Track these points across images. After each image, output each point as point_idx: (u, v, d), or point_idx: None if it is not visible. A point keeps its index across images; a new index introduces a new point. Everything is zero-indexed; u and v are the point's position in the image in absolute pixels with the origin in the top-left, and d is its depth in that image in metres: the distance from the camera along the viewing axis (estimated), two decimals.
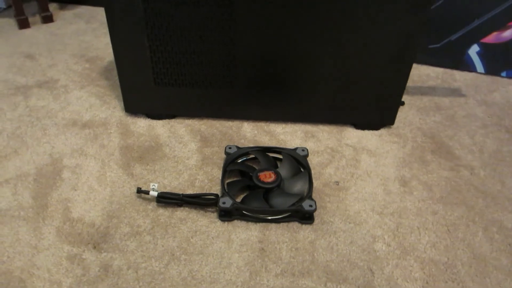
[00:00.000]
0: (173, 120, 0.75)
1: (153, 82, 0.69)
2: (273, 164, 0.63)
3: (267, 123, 0.75)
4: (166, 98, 0.72)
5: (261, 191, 0.57)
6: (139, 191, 0.57)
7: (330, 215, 0.57)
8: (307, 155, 0.65)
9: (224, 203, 0.54)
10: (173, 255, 0.51)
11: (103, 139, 0.69)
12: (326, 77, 0.68)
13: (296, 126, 0.75)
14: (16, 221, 0.54)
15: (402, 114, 0.79)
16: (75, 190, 0.59)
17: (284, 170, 0.61)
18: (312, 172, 0.64)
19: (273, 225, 0.55)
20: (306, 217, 0.56)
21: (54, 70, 0.89)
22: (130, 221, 0.55)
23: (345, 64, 0.67)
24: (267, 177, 0.58)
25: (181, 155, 0.67)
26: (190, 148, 0.68)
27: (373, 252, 0.52)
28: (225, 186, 0.59)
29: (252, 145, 0.68)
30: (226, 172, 0.62)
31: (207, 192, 0.60)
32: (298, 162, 0.64)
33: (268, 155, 0.64)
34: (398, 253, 0.52)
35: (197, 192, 0.59)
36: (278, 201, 0.56)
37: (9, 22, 1.13)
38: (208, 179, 0.62)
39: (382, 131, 0.75)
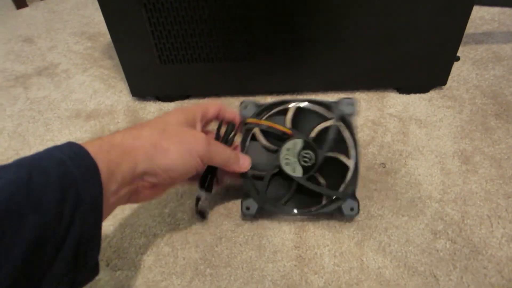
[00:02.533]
0: (186, 101, 0.66)
1: (158, 60, 0.60)
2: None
3: (294, 95, 0.65)
4: (176, 77, 0.62)
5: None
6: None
7: (378, 206, 0.48)
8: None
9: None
10: (197, 269, 0.43)
11: (110, 131, 0.61)
12: (362, 32, 0.56)
13: (328, 96, 0.64)
14: None
15: (454, 70, 0.67)
16: None
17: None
18: None
19: (310, 225, 0.47)
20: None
21: (54, 53, 0.81)
22: (145, 229, 0.48)
23: (385, 13, 0.54)
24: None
25: None
26: None
27: (435, 253, 0.43)
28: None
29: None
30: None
31: None
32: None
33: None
34: (466, 252, 0.43)
35: None
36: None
37: (6, 3, 1.04)
38: None
39: (432, 93, 0.63)
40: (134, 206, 0.50)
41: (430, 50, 0.58)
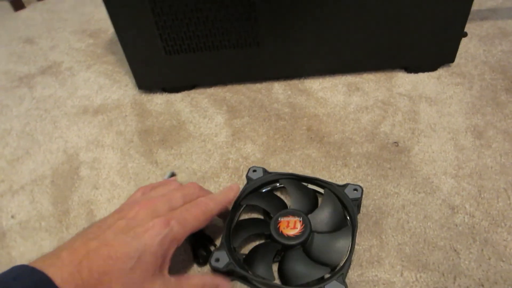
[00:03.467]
0: (193, 91, 0.66)
1: (163, 51, 0.59)
2: (308, 204, 0.44)
3: (301, 80, 0.65)
4: (182, 67, 0.62)
5: (274, 246, 0.40)
6: None
7: (393, 185, 0.48)
8: (359, 200, 0.43)
9: (217, 260, 0.38)
10: None
11: (118, 125, 0.61)
12: (368, 12, 0.56)
13: (336, 79, 0.64)
14: (38, 234, 0.48)
15: (461, 47, 0.66)
16: (97, 189, 0.52)
17: (319, 218, 0.42)
18: (364, 133, 0.54)
19: None
20: None
21: (56, 52, 0.81)
22: None
23: None
24: (290, 226, 0.40)
25: (207, 132, 0.58)
26: (217, 122, 0.59)
27: (454, 227, 0.43)
28: (230, 231, 0.42)
29: (285, 172, 0.48)
30: (238, 207, 0.45)
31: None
32: (345, 208, 0.44)
33: (305, 189, 0.46)
34: (485, 225, 0.42)
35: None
36: (295, 270, 0.38)
37: (3, 6, 1.04)
38: (242, 157, 0.53)
39: (440, 71, 0.63)
40: None
41: (437, 27, 0.57)
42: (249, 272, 0.38)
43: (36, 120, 0.65)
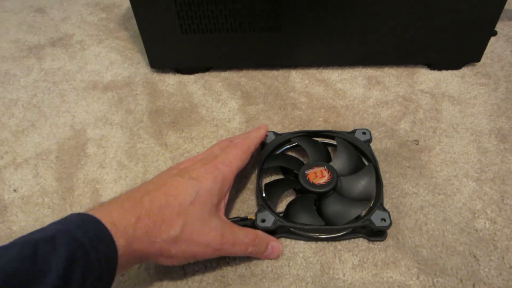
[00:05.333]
0: (207, 73, 0.63)
1: (179, 29, 0.57)
2: (324, 155, 0.46)
3: (320, 70, 0.62)
4: (197, 48, 0.60)
5: (311, 197, 0.42)
6: None
7: (412, 184, 0.46)
8: (370, 140, 0.47)
9: (263, 220, 0.40)
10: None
11: (128, 103, 0.59)
12: (394, 4, 0.53)
13: (356, 70, 0.62)
14: (41, 210, 0.46)
15: (487, 46, 0.63)
16: (103, 167, 0.50)
17: (339, 163, 0.45)
18: (383, 129, 0.52)
19: None
20: (375, 233, 0.41)
21: (67, 24, 0.78)
22: None
23: None
24: (318, 176, 0.42)
25: (220, 116, 0.56)
26: (231, 107, 0.57)
27: (474, 233, 0.41)
28: (263, 192, 0.44)
29: (295, 130, 0.50)
30: (262, 170, 0.46)
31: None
32: (359, 150, 0.47)
33: (316, 142, 0.48)
34: (507, 233, 0.41)
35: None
36: (336, 212, 0.41)
37: None
38: None
39: (465, 70, 0.60)
40: None
41: (466, 24, 0.55)
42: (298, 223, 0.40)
43: (43, 92, 0.63)
